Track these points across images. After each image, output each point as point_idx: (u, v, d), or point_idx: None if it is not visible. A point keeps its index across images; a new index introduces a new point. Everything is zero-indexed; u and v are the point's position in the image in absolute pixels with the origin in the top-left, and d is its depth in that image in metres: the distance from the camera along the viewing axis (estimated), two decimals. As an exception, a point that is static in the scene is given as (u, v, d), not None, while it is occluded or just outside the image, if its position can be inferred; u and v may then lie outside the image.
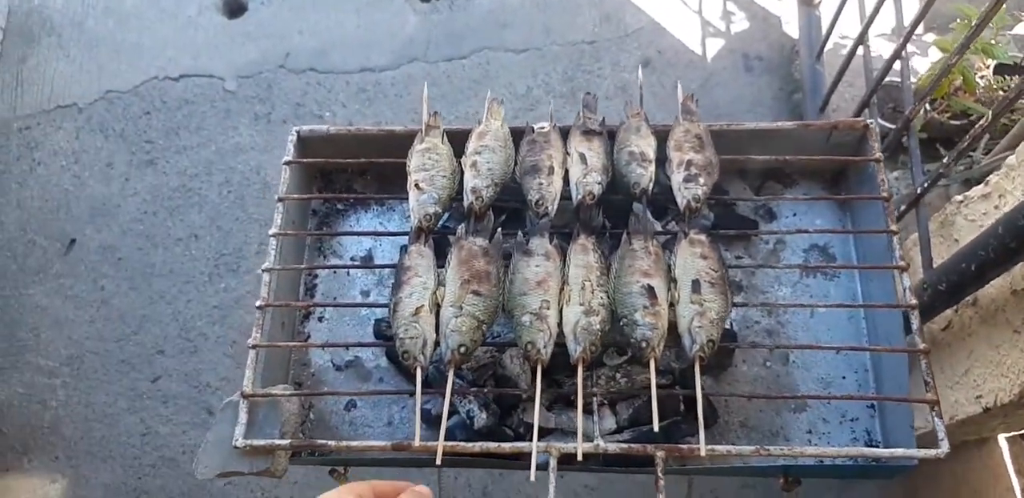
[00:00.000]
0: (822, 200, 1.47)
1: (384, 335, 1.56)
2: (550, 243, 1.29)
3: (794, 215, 1.51)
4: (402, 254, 1.33)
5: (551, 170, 1.29)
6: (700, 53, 2.80)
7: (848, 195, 1.40)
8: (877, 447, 1.39)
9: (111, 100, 2.98)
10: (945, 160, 1.63)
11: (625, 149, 1.31)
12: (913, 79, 2.20)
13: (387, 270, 1.63)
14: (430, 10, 3.04)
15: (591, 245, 1.28)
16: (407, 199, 1.34)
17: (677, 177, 1.27)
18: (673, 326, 1.24)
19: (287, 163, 1.48)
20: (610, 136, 1.35)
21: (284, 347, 1.50)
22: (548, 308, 1.24)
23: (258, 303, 1.40)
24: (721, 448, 1.20)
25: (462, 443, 1.21)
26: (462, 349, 1.22)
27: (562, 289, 1.26)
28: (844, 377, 1.46)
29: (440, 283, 1.30)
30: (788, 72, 2.70)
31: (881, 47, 2.35)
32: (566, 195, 1.33)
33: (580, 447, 1.21)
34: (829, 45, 2.38)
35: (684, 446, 1.22)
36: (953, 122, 2.27)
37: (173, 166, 2.84)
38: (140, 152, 2.87)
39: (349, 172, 1.67)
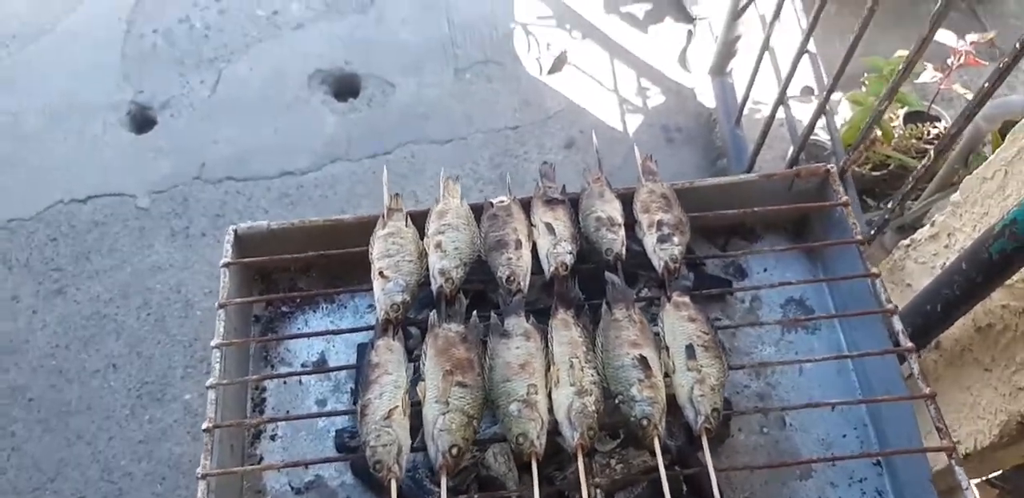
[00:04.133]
0: (790, 251, 1.45)
1: (347, 447, 1.41)
2: (527, 322, 1.20)
3: (764, 270, 1.48)
4: (368, 350, 1.22)
5: (518, 244, 1.22)
6: (621, 129, 2.86)
7: (818, 243, 1.37)
8: (892, 507, 1.31)
9: (13, 229, 2.78)
10: (891, 204, 1.66)
11: (592, 215, 1.26)
12: (825, 136, 2.30)
13: (343, 373, 1.50)
14: (348, 109, 3.02)
15: (571, 319, 1.20)
16: (359, 292, 1.24)
17: (650, 239, 1.22)
18: (671, 399, 1.15)
19: (226, 265, 1.36)
20: (572, 205, 1.30)
21: (239, 473, 1.32)
22: (536, 393, 1.13)
23: (204, 425, 1.25)
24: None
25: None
26: (454, 450, 1.09)
27: (547, 371, 1.16)
28: (844, 435, 1.39)
29: (411, 381, 1.18)
30: (709, 140, 2.77)
31: (795, 108, 2.47)
32: (534, 270, 1.26)
33: (593, 548, 1.07)
34: (744, 111, 2.47)
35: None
36: (874, 173, 2.36)
37: (85, 293, 2.63)
38: (47, 281, 2.66)
39: (292, 270, 1.56)
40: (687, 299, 1.19)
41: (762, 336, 1.44)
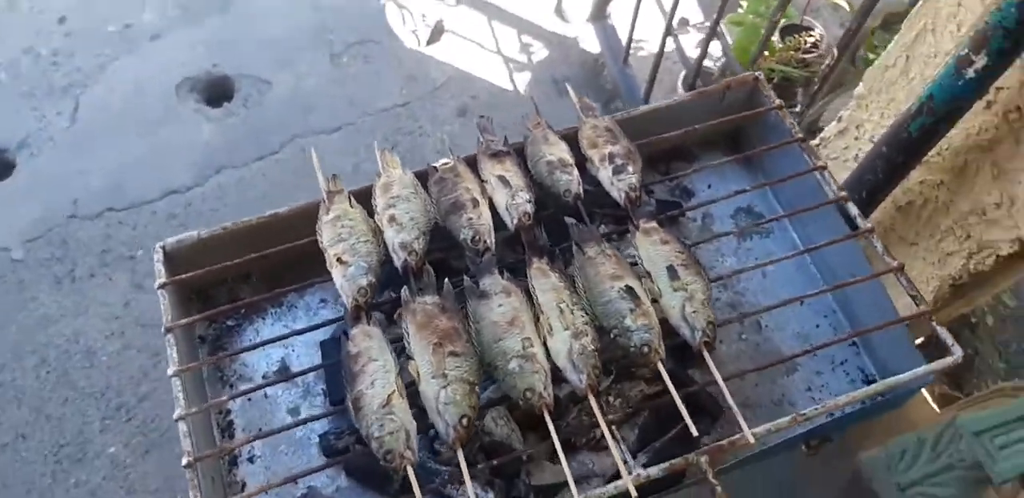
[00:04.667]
0: (730, 164, 1.46)
1: (335, 449, 1.34)
2: (503, 279, 1.16)
3: (709, 187, 1.49)
4: (344, 342, 1.14)
5: (475, 202, 1.17)
6: (512, 89, 2.83)
7: (762, 148, 1.38)
8: (875, 382, 1.36)
9: None
10: (798, 108, 1.70)
11: (542, 160, 1.23)
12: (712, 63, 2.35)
13: (311, 376, 1.41)
14: (224, 114, 2.85)
15: (547, 266, 1.16)
16: (307, 289, 1.16)
17: (605, 172, 1.20)
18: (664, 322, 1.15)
19: (162, 286, 1.24)
20: (517, 154, 1.26)
21: (235, 503, 1.22)
22: (532, 346, 1.10)
23: (184, 460, 1.15)
24: (760, 429, 1.10)
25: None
26: (464, 421, 1.05)
27: (537, 321, 1.13)
28: (818, 325, 1.44)
29: (400, 363, 1.13)
30: (599, 85, 2.78)
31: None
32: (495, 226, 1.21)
33: (630, 483, 1.06)
34: (630, 51, 2.49)
35: (725, 442, 1.11)
36: (762, 88, 2.43)
37: (-30, 364, 2.39)
38: (-79, 361, 2.40)
39: (229, 281, 1.45)
40: (654, 224, 1.18)
41: (720, 249, 1.45)
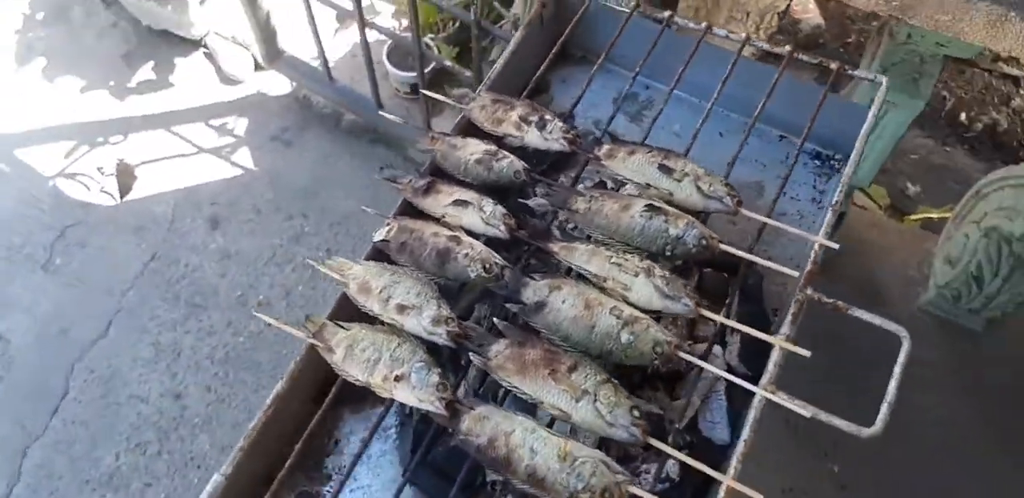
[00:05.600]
0: (584, 73, 1.44)
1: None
2: (541, 280, 1.10)
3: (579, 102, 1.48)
4: (461, 445, 1.04)
5: (455, 239, 1.10)
6: (242, 170, 2.65)
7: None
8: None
9: None
10: None
11: (470, 162, 1.17)
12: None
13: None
14: None
15: (566, 242, 1.11)
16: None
17: (533, 134, 1.16)
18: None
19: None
20: (439, 175, 1.19)
21: None
22: (622, 310, 1.06)
23: None
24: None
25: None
26: (636, 412, 1.02)
27: (604, 290, 1.08)
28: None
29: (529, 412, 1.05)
30: (318, 114, 2.67)
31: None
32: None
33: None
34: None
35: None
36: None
37: None
38: None
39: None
40: (610, 145, 1.15)
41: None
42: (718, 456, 1.26)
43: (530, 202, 1.19)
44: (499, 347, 1.08)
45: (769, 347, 1.32)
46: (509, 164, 1.14)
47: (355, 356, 1.09)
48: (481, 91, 1.23)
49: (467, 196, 1.12)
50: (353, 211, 2.58)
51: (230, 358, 2.46)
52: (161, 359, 2.46)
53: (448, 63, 1.94)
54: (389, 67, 2.49)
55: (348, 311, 1.16)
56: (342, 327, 1.13)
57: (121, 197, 2.63)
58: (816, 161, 1.44)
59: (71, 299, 2.55)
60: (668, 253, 1.08)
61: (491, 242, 1.13)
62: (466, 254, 1.08)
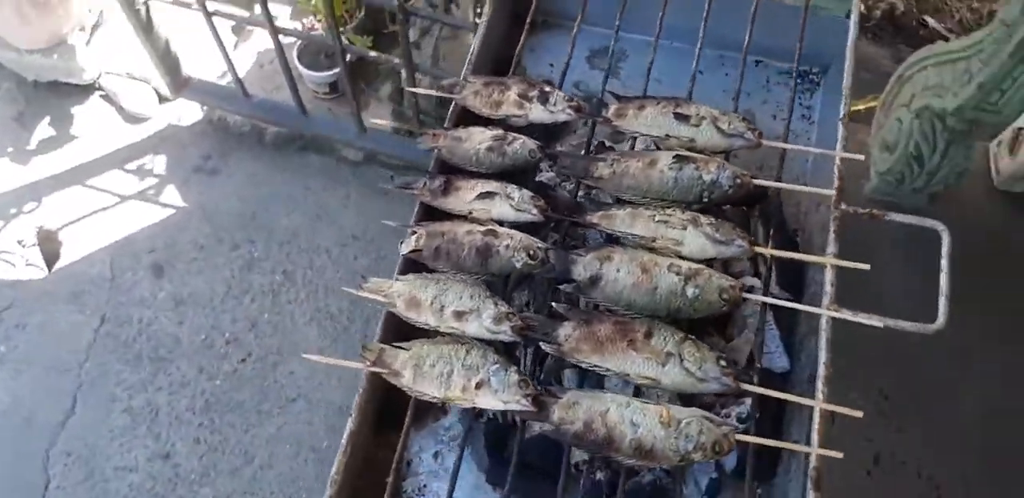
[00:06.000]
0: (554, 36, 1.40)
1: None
2: (588, 255, 1.07)
3: (552, 66, 1.43)
4: (553, 436, 1.02)
5: (492, 233, 1.05)
6: (175, 208, 2.46)
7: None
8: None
9: None
10: None
11: (481, 151, 1.12)
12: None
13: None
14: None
15: (602, 210, 1.09)
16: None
17: (537, 110, 1.13)
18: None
19: None
20: (452, 171, 1.14)
21: None
22: (680, 267, 1.05)
23: None
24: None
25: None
26: (722, 362, 1.02)
27: (654, 250, 1.06)
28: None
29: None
30: (238, 133, 2.52)
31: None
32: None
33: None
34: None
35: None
36: None
37: None
38: None
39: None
40: (617, 104, 1.12)
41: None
42: (782, 384, 1.28)
43: (545, 176, 1.15)
44: (566, 331, 1.05)
45: (801, 270, 1.35)
46: (522, 145, 1.10)
47: (426, 374, 1.05)
48: (467, 76, 1.17)
49: (490, 186, 1.07)
50: (299, 226, 2.46)
51: (211, 404, 2.33)
52: (139, 423, 2.31)
53: (373, 53, 1.85)
54: (303, 70, 2.37)
55: (396, 330, 1.10)
56: (402, 348, 1.08)
57: (50, 267, 2.42)
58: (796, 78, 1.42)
59: (26, 385, 2.35)
60: (706, 199, 1.07)
61: (522, 227, 1.09)
62: (507, 245, 1.04)
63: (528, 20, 1.24)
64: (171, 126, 2.61)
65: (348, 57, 1.86)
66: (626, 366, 1.02)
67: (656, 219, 1.04)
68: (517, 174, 1.12)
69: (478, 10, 1.63)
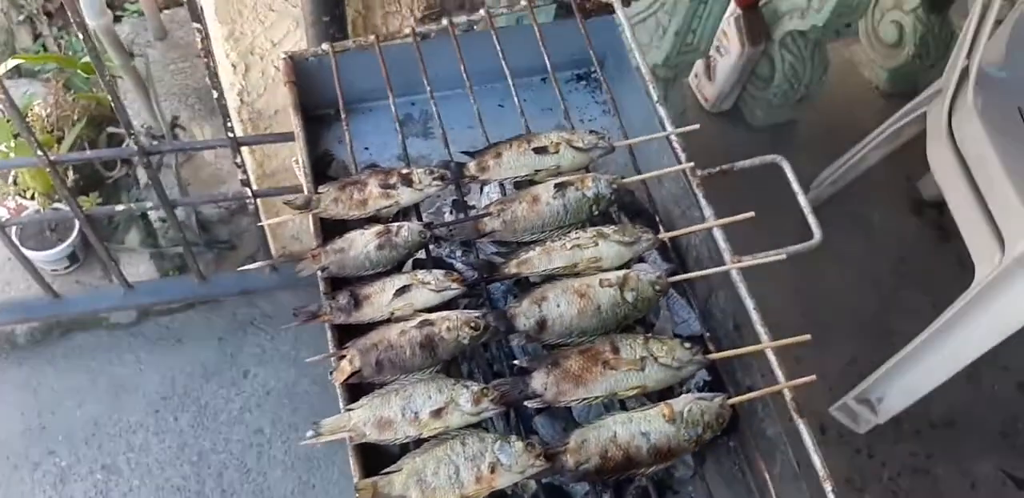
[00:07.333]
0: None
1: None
2: (522, 303, 1.07)
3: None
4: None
5: (426, 323, 1.02)
6: None
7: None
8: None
9: None
10: None
11: (371, 251, 1.08)
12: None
13: None
14: None
15: (516, 263, 1.10)
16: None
17: (405, 195, 1.11)
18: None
19: None
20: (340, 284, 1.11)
21: None
22: (609, 279, 1.07)
23: None
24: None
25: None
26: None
27: (578, 273, 1.09)
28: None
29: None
30: None
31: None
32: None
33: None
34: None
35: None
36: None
37: None
38: None
39: None
40: (475, 160, 1.16)
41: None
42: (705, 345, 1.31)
43: (435, 253, 1.14)
44: (541, 380, 1.04)
45: (675, 242, 1.43)
46: (409, 230, 1.09)
47: (432, 484, 0.99)
48: (312, 189, 1.13)
49: (401, 281, 1.05)
50: (98, 413, 2.19)
51: None
52: None
53: (120, 207, 1.75)
54: (31, 254, 2.11)
55: (371, 459, 1.04)
56: (391, 473, 1.01)
57: None
58: (582, 82, 1.52)
59: None
60: (596, 213, 1.12)
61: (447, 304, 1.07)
62: (447, 327, 1.03)
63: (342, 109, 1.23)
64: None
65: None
66: (611, 386, 1.03)
67: (568, 247, 1.07)
68: (403, 261, 1.11)
69: (228, 124, 1.59)
